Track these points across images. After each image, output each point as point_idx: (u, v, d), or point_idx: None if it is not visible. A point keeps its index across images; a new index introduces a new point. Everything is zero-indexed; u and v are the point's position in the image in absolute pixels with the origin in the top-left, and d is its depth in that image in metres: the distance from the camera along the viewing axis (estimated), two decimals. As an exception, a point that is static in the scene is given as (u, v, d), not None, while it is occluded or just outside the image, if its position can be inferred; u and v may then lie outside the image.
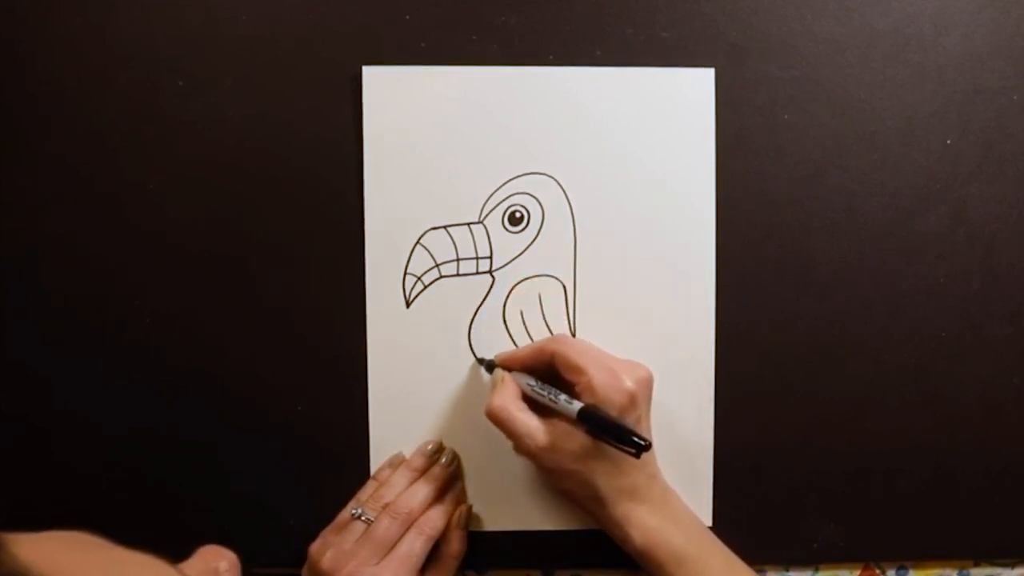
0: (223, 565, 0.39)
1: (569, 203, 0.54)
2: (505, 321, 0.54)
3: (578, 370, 0.48)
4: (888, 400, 0.55)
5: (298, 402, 0.54)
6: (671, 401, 0.54)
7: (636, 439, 0.45)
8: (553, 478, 0.51)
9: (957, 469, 0.56)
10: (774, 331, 0.55)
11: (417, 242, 0.53)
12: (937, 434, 0.56)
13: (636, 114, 0.53)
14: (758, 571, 0.54)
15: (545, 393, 0.49)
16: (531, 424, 0.49)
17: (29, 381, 0.54)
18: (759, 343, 0.55)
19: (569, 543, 0.55)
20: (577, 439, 0.47)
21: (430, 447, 0.54)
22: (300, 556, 0.52)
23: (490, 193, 0.54)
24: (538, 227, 0.54)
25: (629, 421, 0.48)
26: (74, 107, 0.53)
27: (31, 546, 0.26)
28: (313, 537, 0.52)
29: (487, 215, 0.54)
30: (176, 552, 0.36)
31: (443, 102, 0.53)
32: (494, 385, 0.52)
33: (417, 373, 0.54)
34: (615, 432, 0.46)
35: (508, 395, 0.50)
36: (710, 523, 0.54)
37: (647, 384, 0.50)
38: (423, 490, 0.51)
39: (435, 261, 0.54)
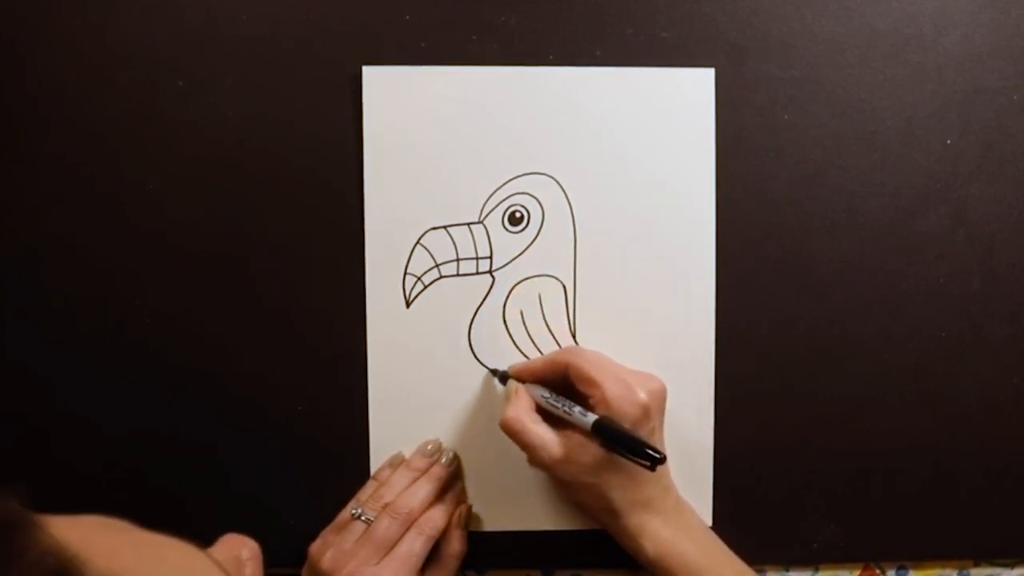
0: (245, 553, 0.40)
1: (569, 203, 0.54)
2: (505, 321, 0.54)
3: (592, 382, 0.48)
4: (888, 400, 0.55)
5: (298, 402, 0.54)
6: (671, 402, 0.53)
7: (651, 452, 0.45)
8: (567, 490, 0.52)
9: (957, 469, 0.56)
10: (774, 331, 0.55)
11: (417, 242, 0.53)
12: (937, 434, 0.56)
13: (636, 114, 0.53)
14: (758, 571, 0.54)
15: (559, 405, 0.49)
16: (545, 436, 0.49)
17: (29, 381, 0.54)
18: (759, 343, 0.55)
19: (569, 543, 0.55)
20: (591, 451, 0.47)
21: (430, 447, 0.54)
22: (300, 556, 0.52)
23: (490, 193, 0.54)
24: (538, 227, 0.54)
25: (643, 433, 0.48)
26: (74, 107, 0.53)
27: (64, 527, 0.27)
28: (313, 537, 0.52)
29: (487, 215, 0.54)
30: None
31: (443, 102, 0.53)
32: (508, 397, 0.52)
33: (417, 373, 0.54)
34: (630, 445, 0.46)
35: (522, 407, 0.50)
36: (710, 523, 0.54)
37: (660, 396, 0.50)
38: (423, 490, 0.51)
39: (435, 261, 0.54)
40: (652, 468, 0.45)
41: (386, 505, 0.50)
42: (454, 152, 0.53)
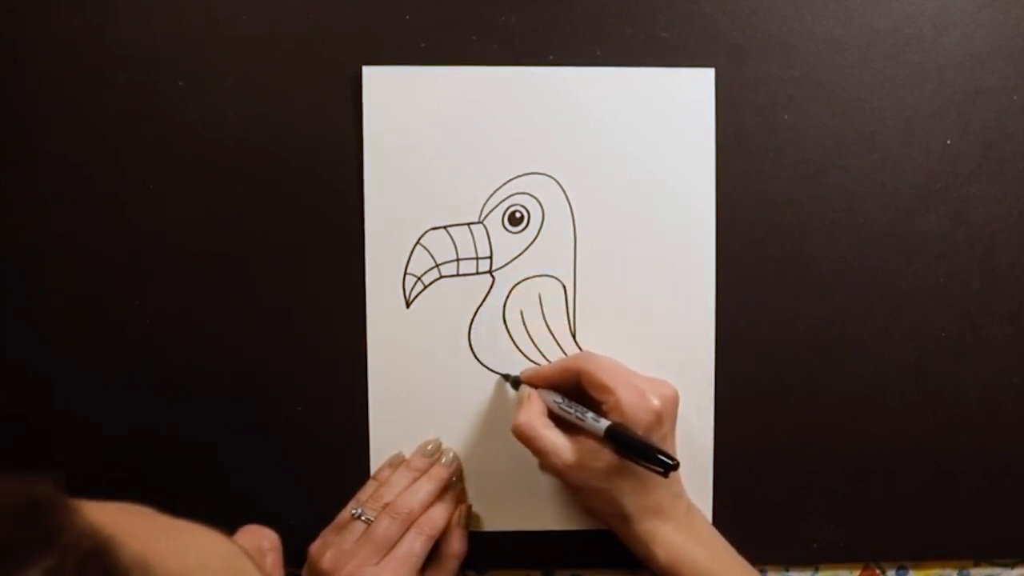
0: (266, 544, 0.40)
1: (569, 203, 0.54)
2: (505, 321, 0.54)
3: (605, 388, 0.48)
4: (888, 400, 0.55)
5: (298, 402, 0.54)
6: (671, 401, 0.53)
7: (664, 458, 0.45)
8: (578, 495, 0.52)
9: (957, 469, 0.56)
10: (774, 331, 0.55)
11: (417, 242, 0.53)
12: (937, 434, 0.56)
13: (636, 114, 0.53)
14: (758, 571, 0.54)
15: (572, 411, 0.49)
16: (557, 442, 0.49)
17: (29, 381, 0.54)
18: (759, 343, 0.55)
19: (569, 543, 0.55)
20: (603, 457, 0.47)
21: (430, 447, 0.54)
22: (300, 556, 0.52)
23: (490, 193, 0.54)
24: (538, 227, 0.54)
25: (655, 439, 0.48)
26: (74, 107, 0.53)
27: (95, 510, 0.27)
28: (313, 537, 0.52)
29: (487, 215, 0.54)
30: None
31: (443, 102, 0.53)
32: (520, 402, 0.52)
33: (417, 373, 0.54)
34: (642, 451, 0.46)
35: (534, 412, 0.50)
36: (710, 523, 0.54)
37: (673, 402, 0.50)
38: (423, 490, 0.51)
39: (435, 261, 0.54)
40: (665, 474, 0.45)
41: (386, 505, 0.50)
42: (454, 152, 0.53)
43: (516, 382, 0.53)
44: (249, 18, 0.53)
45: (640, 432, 0.47)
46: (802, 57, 0.54)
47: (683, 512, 0.50)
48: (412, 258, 0.54)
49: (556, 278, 0.54)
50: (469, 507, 0.54)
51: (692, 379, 0.54)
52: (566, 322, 0.54)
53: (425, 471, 0.53)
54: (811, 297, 0.55)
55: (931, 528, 0.56)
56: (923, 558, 0.57)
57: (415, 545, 0.50)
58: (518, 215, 0.54)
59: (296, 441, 0.54)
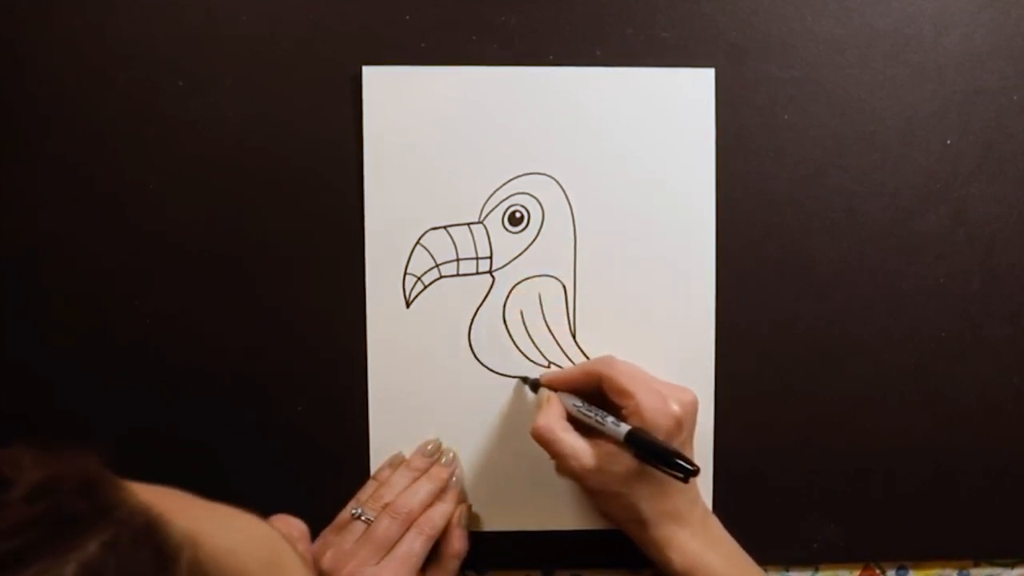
0: (295, 533, 0.41)
1: (569, 203, 0.54)
2: (505, 321, 0.54)
3: (626, 393, 0.48)
4: (888, 400, 0.55)
5: (298, 402, 0.54)
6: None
7: (685, 464, 0.45)
8: (595, 499, 0.52)
9: (957, 469, 0.56)
10: (774, 331, 0.55)
11: (417, 242, 0.53)
12: (937, 434, 0.56)
13: (636, 114, 0.53)
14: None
15: (592, 414, 0.49)
16: (576, 445, 0.49)
17: (29, 381, 0.54)
18: (759, 343, 0.55)
19: (569, 543, 0.55)
20: (623, 461, 0.47)
21: (430, 447, 0.54)
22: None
23: (490, 193, 0.54)
24: (538, 227, 0.54)
25: (675, 445, 0.48)
26: (74, 107, 0.53)
27: (141, 490, 0.28)
28: (313, 537, 0.52)
29: (487, 215, 0.54)
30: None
31: (443, 102, 0.53)
32: (539, 405, 0.52)
33: (417, 373, 0.54)
34: (663, 456, 0.46)
35: (554, 415, 0.50)
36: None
37: (693, 409, 0.50)
38: (423, 490, 0.51)
39: (435, 261, 0.54)
40: (685, 480, 0.45)
41: (386, 505, 0.50)
42: (454, 152, 0.53)
43: (535, 385, 0.53)
44: (249, 18, 0.53)
45: (660, 437, 0.47)
46: (802, 57, 0.54)
47: (699, 518, 0.50)
48: (412, 258, 0.54)
49: (556, 278, 0.54)
50: (468, 506, 0.54)
51: (692, 379, 0.54)
52: (566, 322, 0.54)
53: (425, 471, 0.53)
54: (811, 297, 0.55)
55: (931, 528, 0.56)
56: (923, 558, 0.57)
57: (415, 545, 0.50)
58: (518, 215, 0.54)
59: (296, 441, 0.54)
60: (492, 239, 0.54)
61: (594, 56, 0.53)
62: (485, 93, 0.53)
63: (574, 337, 0.54)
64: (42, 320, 0.53)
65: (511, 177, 0.54)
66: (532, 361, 0.54)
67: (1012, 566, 0.58)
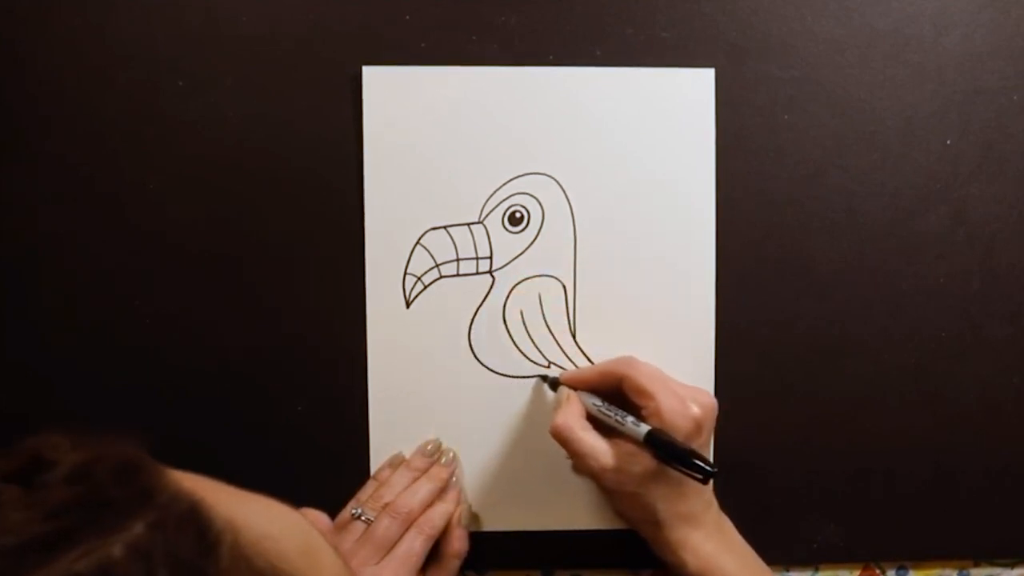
0: (320, 526, 0.40)
1: (569, 203, 0.54)
2: (505, 321, 0.54)
3: (647, 394, 0.48)
4: (888, 400, 0.55)
5: (298, 402, 0.54)
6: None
7: (704, 465, 0.45)
8: (611, 499, 0.52)
9: (957, 469, 0.56)
10: (774, 331, 0.55)
11: (417, 242, 0.53)
12: (937, 434, 0.56)
13: (636, 114, 0.53)
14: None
15: (612, 414, 0.49)
16: (595, 444, 0.48)
17: (29, 381, 0.54)
18: (759, 343, 0.55)
19: (569, 543, 0.55)
20: (641, 461, 0.47)
21: (430, 447, 0.54)
22: (300, 556, 0.52)
23: (490, 193, 0.54)
24: (538, 227, 0.54)
25: (694, 447, 0.48)
26: (74, 107, 0.53)
27: (179, 476, 0.28)
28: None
29: (487, 215, 0.54)
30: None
31: (443, 102, 0.53)
32: (558, 403, 0.52)
33: (417, 373, 0.54)
34: (682, 457, 0.46)
35: (573, 414, 0.50)
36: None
37: (712, 412, 0.50)
38: (423, 490, 0.51)
39: (435, 261, 0.54)
40: (704, 481, 0.45)
41: (386, 505, 0.50)
42: (454, 152, 0.53)
43: (554, 383, 0.53)
44: (249, 18, 0.53)
45: (679, 439, 0.47)
46: (802, 57, 0.54)
47: (713, 520, 0.51)
48: (412, 258, 0.54)
49: (556, 278, 0.54)
50: (468, 507, 0.54)
51: (692, 379, 0.54)
52: (566, 322, 0.54)
53: (425, 471, 0.53)
54: (811, 297, 0.55)
55: (931, 528, 0.56)
56: (923, 558, 0.57)
57: (415, 545, 0.50)
58: (518, 215, 0.54)
59: (296, 441, 0.54)
60: (492, 239, 0.54)
61: (594, 56, 0.53)
62: (485, 93, 0.53)
63: (574, 337, 0.54)
64: (42, 320, 0.53)
65: (511, 177, 0.54)
66: (532, 361, 0.54)
67: (1012, 566, 0.58)
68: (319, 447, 0.54)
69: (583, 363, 0.54)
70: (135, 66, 0.53)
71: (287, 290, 0.54)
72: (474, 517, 0.54)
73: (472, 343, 0.54)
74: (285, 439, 0.54)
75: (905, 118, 0.54)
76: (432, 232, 0.53)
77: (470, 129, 0.53)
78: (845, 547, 0.56)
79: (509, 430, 0.54)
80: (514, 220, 0.54)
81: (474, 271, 0.54)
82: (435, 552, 0.51)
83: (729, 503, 0.55)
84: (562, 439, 0.49)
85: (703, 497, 0.50)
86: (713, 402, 0.50)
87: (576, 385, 0.52)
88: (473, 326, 0.54)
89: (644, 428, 0.47)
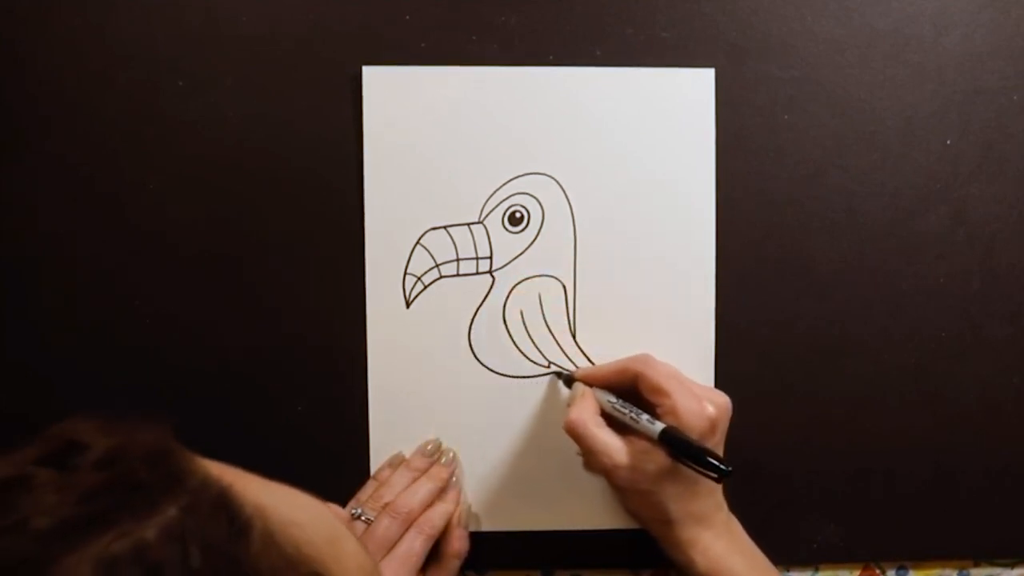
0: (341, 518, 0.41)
1: (569, 203, 0.54)
2: (505, 321, 0.54)
3: (663, 392, 0.48)
4: (888, 400, 0.55)
5: (298, 402, 0.54)
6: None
7: (719, 464, 0.45)
8: (622, 497, 0.52)
9: (957, 469, 0.56)
10: (774, 331, 0.55)
11: (417, 242, 0.53)
12: (937, 434, 0.56)
13: (636, 114, 0.53)
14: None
15: (626, 411, 0.49)
16: (608, 441, 0.48)
17: (29, 381, 0.54)
18: (759, 343, 0.55)
19: (569, 543, 0.55)
20: (654, 460, 0.47)
21: (430, 447, 0.54)
22: (300, 556, 0.52)
23: (490, 193, 0.54)
24: (538, 227, 0.54)
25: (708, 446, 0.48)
26: (74, 107, 0.53)
27: (206, 463, 0.29)
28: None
29: (487, 215, 0.54)
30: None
31: (443, 102, 0.53)
32: (573, 399, 0.52)
33: (417, 373, 0.54)
34: (697, 455, 0.45)
35: (587, 410, 0.50)
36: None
37: (726, 412, 0.50)
38: (423, 490, 0.51)
39: (435, 261, 0.54)
40: (719, 480, 0.45)
41: (386, 505, 0.50)
42: (454, 152, 0.53)
43: (569, 379, 0.53)
44: (249, 18, 0.53)
45: (694, 437, 0.47)
46: (802, 57, 0.54)
47: (723, 521, 0.50)
48: (412, 258, 0.54)
49: (556, 278, 0.54)
50: (468, 506, 0.54)
51: (692, 379, 0.54)
52: (566, 322, 0.54)
53: (425, 471, 0.53)
54: (811, 297, 0.55)
55: (931, 528, 0.56)
56: (923, 558, 0.57)
57: (415, 545, 0.50)
58: (518, 215, 0.54)
59: (296, 441, 0.54)
60: (492, 239, 0.54)
61: (594, 56, 0.53)
62: (485, 93, 0.53)
63: (574, 337, 0.54)
64: (42, 320, 0.53)
65: (511, 177, 0.54)
66: (532, 361, 0.54)
67: (1012, 566, 0.58)
68: (319, 447, 0.54)
69: (583, 363, 0.54)
70: (135, 66, 0.53)
71: (287, 290, 0.54)
72: (474, 517, 0.54)
73: (472, 343, 0.54)
74: (285, 439, 0.54)
75: (905, 118, 0.54)
76: (432, 232, 0.53)
77: (470, 129, 0.53)
78: (845, 547, 0.56)
79: (509, 430, 0.54)
80: (514, 220, 0.54)
81: (474, 271, 0.54)
82: (435, 552, 0.51)
83: (729, 503, 0.55)
84: (576, 435, 0.49)
85: (714, 497, 0.50)
86: (728, 403, 0.50)
87: (591, 381, 0.52)
88: (473, 326, 0.54)
89: (659, 426, 0.47)
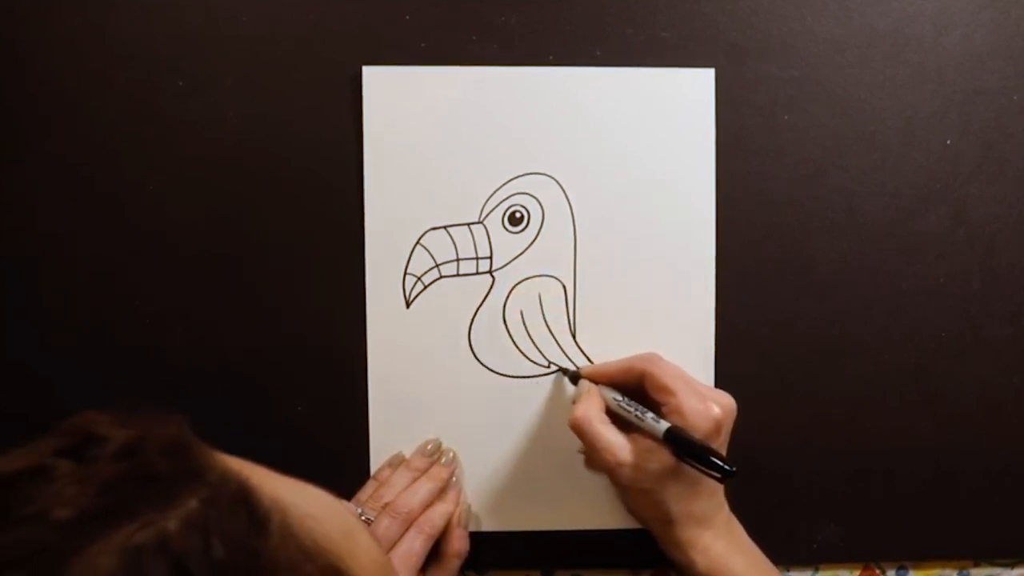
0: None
1: (569, 203, 0.54)
2: (505, 321, 0.54)
3: (669, 391, 0.48)
4: (888, 400, 0.55)
5: (298, 402, 0.54)
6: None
7: (724, 465, 0.44)
8: (623, 495, 0.52)
9: (957, 469, 0.56)
10: (774, 331, 0.55)
11: (417, 242, 0.53)
12: (937, 434, 0.56)
13: (636, 114, 0.53)
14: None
15: (631, 409, 0.49)
16: (612, 439, 0.48)
17: (29, 381, 0.54)
18: (759, 343, 0.55)
19: (569, 543, 0.55)
20: (658, 459, 0.47)
21: (430, 447, 0.54)
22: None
23: (490, 193, 0.54)
24: (538, 227, 0.54)
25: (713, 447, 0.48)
26: (74, 107, 0.53)
27: (223, 456, 0.29)
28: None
29: (487, 215, 0.54)
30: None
31: (443, 102, 0.53)
32: (578, 396, 0.52)
33: (417, 373, 0.54)
34: (701, 455, 0.45)
35: (593, 407, 0.50)
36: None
37: (731, 414, 0.50)
38: (423, 489, 0.51)
39: (435, 261, 0.54)
40: (723, 481, 0.45)
41: (386, 505, 0.50)
42: (454, 152, 0.53)
43: (575, 377, 0.53)
44: (249, 18, 0.53)
45: (699, 437, 0.47)
46: (802, 57, 0.54)
47: (724, 522, 0.50)
48: (412, 258, 0.54)
49: (556, 278, 0.54)
50: (468, 506, 0.54)
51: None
52: (566, 322, 0.54)
53: (425, 471, 0.53)
54: (811, 297, 0.55)
55: (931, 528, 0.56)
56: (923, 558, 0.57)
57: (415, 544, 0.50)
58: (518, 215, 0.54)
59: (296, 441, 0.54)
60: (492, 239, 0.54)
61: (594, 56, 0.53)
62: (485, 93, 0.53)
63: (574, 337, 0.54)
64: (42, 320, 0.53)
65: (511, 177, 0.54)
66: (532, 361, 0.54)
67: (1012, 566, 0.58)
68: (319, 447, 0.54)
69: (583, 363, 0.54)
70: (135, 66, 0.53)
71: (287, 290, 0.54)
72: (474, 517, 0.54)
73: (472, 343, 0.54)
74: (285, 439, 0.54)
75: (905, 118, 0.54)
76: (432, 232, 0.54)
77: (470, 129, 0.53)
78: (845, 547, 0.56)
79: (509, 430, 0.54)
80: (514, 220, 0.54)
81: (474, 271, 0.54)
82: (435, 552, 0.51)
83: (730, 503, 0.55)
84: (580, 431, 0.49)
85: (716, 498, 0.50)
86: (732, 404, 0.50)
87: (597, 379, 0.52)
88: (473, 326, 0.54)
89: (664, 425, 0.47)
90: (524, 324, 0.54)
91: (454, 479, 0.54)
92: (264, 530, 0.26)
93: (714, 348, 0.54)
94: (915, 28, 0.54)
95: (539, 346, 0.54)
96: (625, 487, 0.50)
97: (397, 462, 0.54)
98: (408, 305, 0.54)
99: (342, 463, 0.54)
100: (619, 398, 0.50)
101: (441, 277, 0.54)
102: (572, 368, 0.54)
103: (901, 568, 0.57)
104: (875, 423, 0.55)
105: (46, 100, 0.53)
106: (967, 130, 0.55)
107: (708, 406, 0.48)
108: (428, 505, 0.51)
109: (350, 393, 0.54)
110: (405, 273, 0.54)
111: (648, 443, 0.48)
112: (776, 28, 0.54)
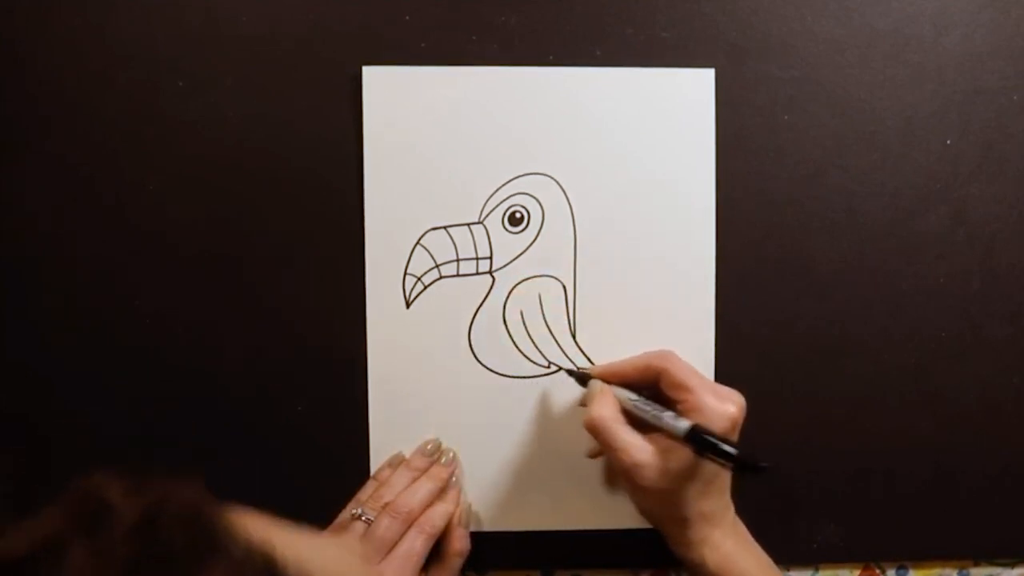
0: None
1: (569, 203, 0.54)
2: (505, 321, 0.54)
3: (686, 388, 0.48)
4: (888, 400, 0.55)
5: (298, 402, 0.54)
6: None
7: (754, 462, 0.44)
8: (636, 494, 0.51)
9: (957, 469, 0.56)
10: (774, 331, 0.55)
11: (417, 242, 0.53)
12: (937, 434, 0.56)
13: (636, 114, 0.54)
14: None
15: (648, 409, 0.48)
16: (632, 440, 0.48)
17: (29, 381, 0.54)
18: (759, 343, 0.55)
19: (569, 543, 0.55)
20: (678, 458, 0.47)
21: (430, 447, 0.54)
22: (300, 556, 0.52)
23: (490, 193, 0.54)
24: (538, 227, 0.54)
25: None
26: (74, 107, 0.53)
27: (243, 518, 0.28)
28: (313, 537, 0.52)
29: (487, 215, 0.54)
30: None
31: (443, 102, 0.53)
32: (591, 396, 0.51)
33: (417, 373, 0.54)
34: (727, 454, 0.44)
35: (608, 407, 0.49)
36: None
37: (743, 411, 0.49)
38: (423, 489, 0.51)
39: (435, 261, 0.54)
40: (743, 476, 0.45)
41: (386, 505, 0.50)
42: (454, 152, 0.53)
43: (582, 378, 0.53)
44: (249, 18, 0.53)
45: None
46: (802, 57, 0.54)
47: (731, 521, 0.50)
48: (412, 258, 0.54)
49: (556, 278, 0.54)
50: (468, 506, 0.54)
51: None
52: (566, 322, 0.54)
53: (425, 471, 0.53)
54: (811, 297, 0.55)
55: (931, 528, 0.56)
56: (923, 558, 0.57)
57: (415, 544, 0.50)
58: (518, 215, 0.54)
59: (296, 441, 0.54)
60: (492, 239, 0.54)
61: (594, 56, 0.53)
62: (485, 93, 0.53)
63: (574, 337, 0.54)
64: (42, 320, 0.53)
65: (511, 177, 0.54)
66: (532, 361, 0.54)
67: (1012, 566, 0.58)
68: (319, 447, 0.54)
69: (583, 363, 0.54)
70: (135, 66, 0.53)
71: (287, 290, 0.54)
72: (474, 517, 0.54)
73: (472, 343, 0.54)
74: (285, 439, 0.54)
75: (905, 118, 0.54)
76: (432, 232, 0.54)
77: (470, 129, 0.53)
78: (845, 547, 0.56)
79: (509, 430, 0.54)
80: (514, 220, 0.54)
81: (474, 271, 0.54)
82: (436, 552, 0.51)
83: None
84: (597, 432, 0.48)
85: (725, 497, 0.50)
86: (743, 402, 0.49)
87: (610, 379, 0.52)
88: (473, 326, 0.54)
89: (685, 423, 0.46)
90: (524, 324, 0.54)
91: (454, 479, 0.54)
92: None
93: (714, 348, 0.55)
94: (915, 28, 0.54)
95: (539, 346, 0.54)
96: (642, 488, 0.49)
97: (397, 462, 0.54)
98: (408, 305, 0.54)
99: (342, 463, 0.54)
100: (633, 397, 0.50)
101: (441, 277, 0.54)
102: (572, 368, 0.54)
103: (901, 568, 0.57)
104: (875, 423, 0.55)
105: (46, 100, 0.53)
106: (967, 130, 0.55)
107: (725, 405, 0.48)
108: (428, 505, 0.51)
109: (350, 393, 0.54)
110: (405, 273, 0.54)
111: (667, 442, 0.47)
112: (776, 28, 0.54)
